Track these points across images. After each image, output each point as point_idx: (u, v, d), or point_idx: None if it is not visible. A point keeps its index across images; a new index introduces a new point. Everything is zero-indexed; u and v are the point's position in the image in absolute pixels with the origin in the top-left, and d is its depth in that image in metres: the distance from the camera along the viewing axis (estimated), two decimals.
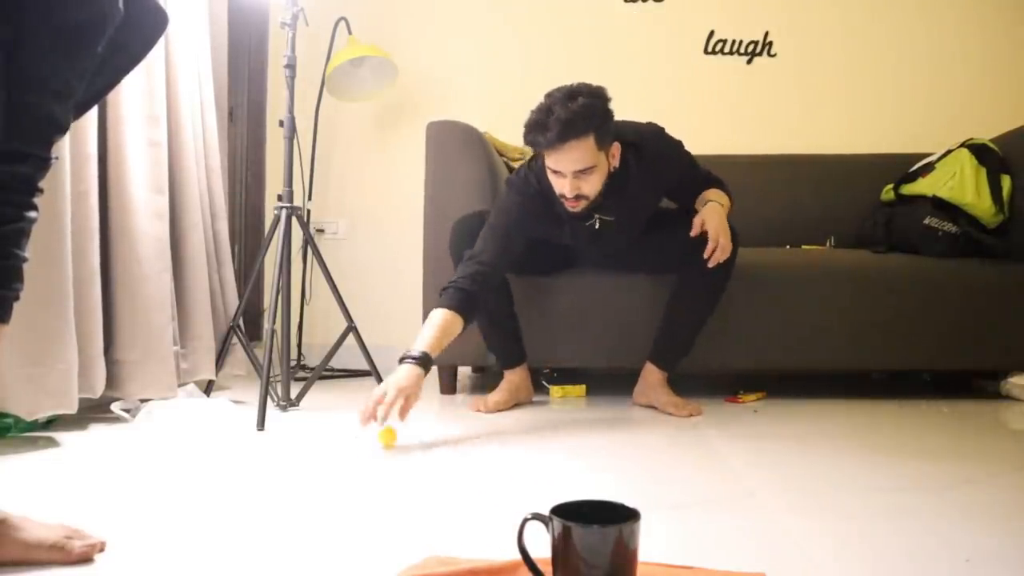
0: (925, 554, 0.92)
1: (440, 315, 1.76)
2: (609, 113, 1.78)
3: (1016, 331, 2.22)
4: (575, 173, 1.75)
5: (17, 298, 0.90)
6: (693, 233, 1.89)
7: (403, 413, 1.57)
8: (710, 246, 1.86)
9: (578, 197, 1.80)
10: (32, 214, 0.89)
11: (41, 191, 0.91)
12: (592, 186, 1.80)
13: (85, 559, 0.89)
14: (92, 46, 0.92)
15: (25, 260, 0.89)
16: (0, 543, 0.87)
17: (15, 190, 0.87)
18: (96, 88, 1.05)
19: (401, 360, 1.67)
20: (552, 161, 1.76)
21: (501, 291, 2.05)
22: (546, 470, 1.38)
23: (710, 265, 1.87)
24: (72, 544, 0.89)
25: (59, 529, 0.91)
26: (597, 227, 1.94)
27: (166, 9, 1.12)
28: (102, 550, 0.91)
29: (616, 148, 1.84)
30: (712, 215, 1.90)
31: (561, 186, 1.79)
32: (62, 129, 0.93)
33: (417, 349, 1.68)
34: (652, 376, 2.08)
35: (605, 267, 2.21)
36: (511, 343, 2.13)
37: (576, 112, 1.70)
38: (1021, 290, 2.22)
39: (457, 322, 1.77)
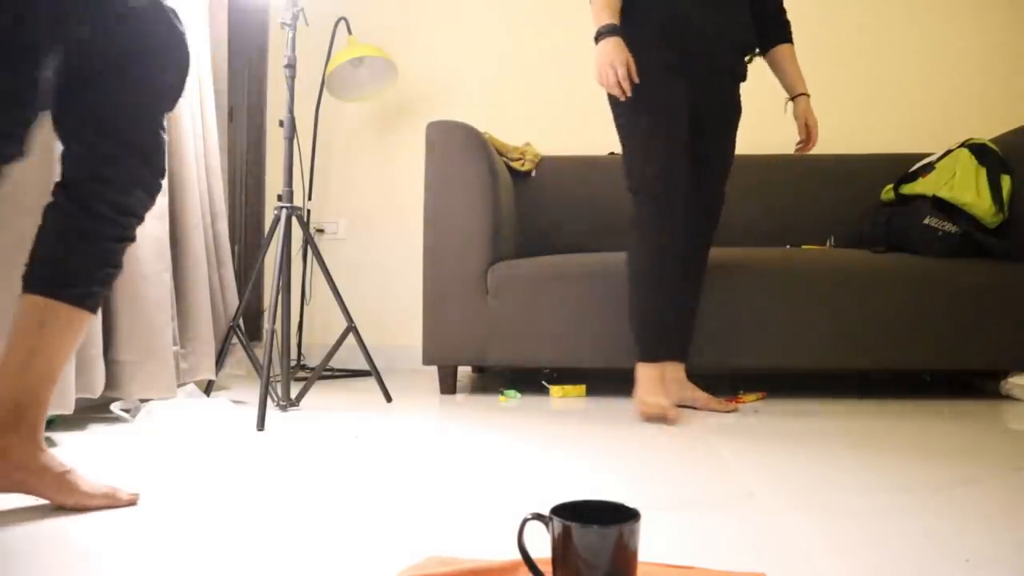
0: (925, 554, 0.92)
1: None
2: None
3: (1016, 331, 2.22)
4: None
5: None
6: (801, 134, 2.06)
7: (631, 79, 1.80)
8: (812, 143, 2.05)
9: None
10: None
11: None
12: None
13: (132, 503, 1.12)
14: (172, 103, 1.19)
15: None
16: (68, 490, 1.08)
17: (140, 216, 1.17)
18: None
19: (597, 37, 1.84)
20: None
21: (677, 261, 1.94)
22: (546, 470, 1.38)
23: (798, 152, 2.09)
24: (120, 493, 1.11)
25: (104, 484, 1.12)
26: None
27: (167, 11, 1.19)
28: (135, 503, 1.12)
29: None
30: (813, 113, 2.07)
31: None
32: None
33: (606, 23, 1.84)
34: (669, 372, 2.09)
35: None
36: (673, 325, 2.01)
37: None
38: (1021, 290, 2.22)
39: None
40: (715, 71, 1.99)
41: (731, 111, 2.07)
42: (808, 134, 2.06)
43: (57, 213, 1.11)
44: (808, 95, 2.07)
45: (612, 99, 1.94)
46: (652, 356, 1.90)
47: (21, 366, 1.07)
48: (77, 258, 1.10)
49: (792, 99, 2.09)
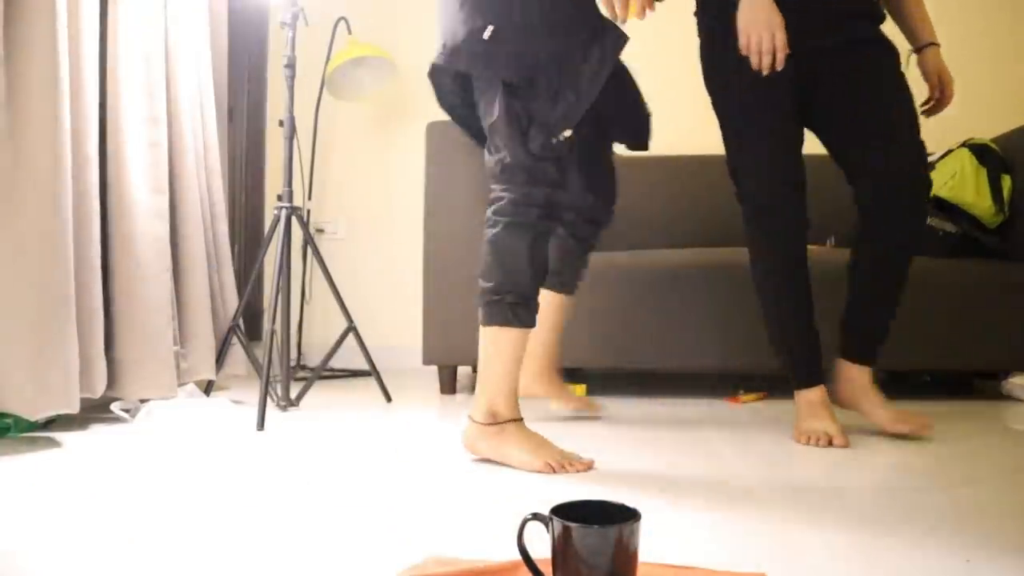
0: (925, 554, 0.92)
1: None
2: None
3: (1016, 331, 2.22)
4: None
5: None
6: (933, 91, 1.65)
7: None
8: (936, 95, 1.64)
9: None
10: None
11: None
12: None
13: None
14: None
15: None
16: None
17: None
18: None
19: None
20: None
21: (799, 276, 1.68)
22: None
23: (926, 115, 1.62)
24: None
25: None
26: None
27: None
28: None
29: None
30: (945, 65, 1.63)
31: None
32: None
33: None
34: (850, 373, 1.71)
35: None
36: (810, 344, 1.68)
37: None
38: (1021, 290, 2.22)
39: None
40: (832, 22, 1.63)
41: (873, 57, 1.62)
42: (942, 91, 1.65)
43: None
44: (938, 45, 1.65)
45: (716, 87, 1.70)
46: (816, 379, 1.66)
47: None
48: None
49: (917, 51, 1.67)
